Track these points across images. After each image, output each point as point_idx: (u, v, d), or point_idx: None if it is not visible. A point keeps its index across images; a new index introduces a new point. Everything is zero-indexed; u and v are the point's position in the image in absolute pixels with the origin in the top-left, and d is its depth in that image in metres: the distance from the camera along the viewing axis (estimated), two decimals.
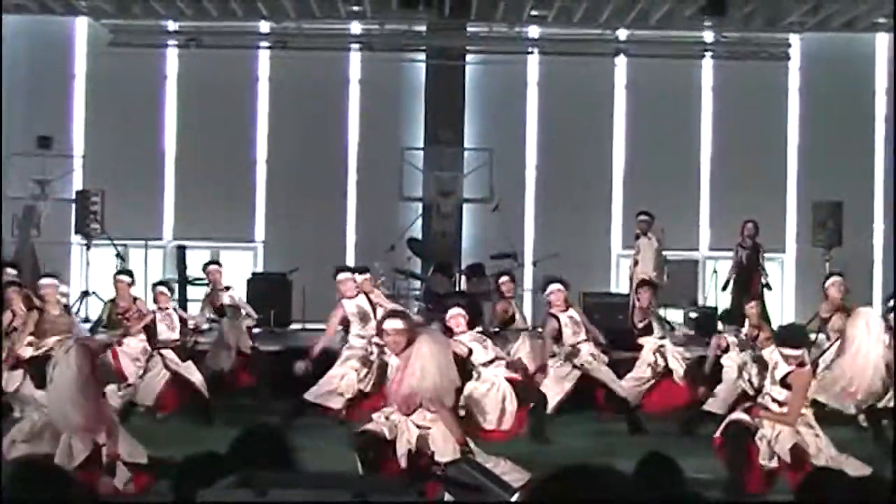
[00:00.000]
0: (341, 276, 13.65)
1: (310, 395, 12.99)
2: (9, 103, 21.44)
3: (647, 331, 14.47)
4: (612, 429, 13.30)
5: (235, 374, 14.44)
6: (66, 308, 12.93)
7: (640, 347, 14.42)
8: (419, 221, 21.50)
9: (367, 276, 14.38)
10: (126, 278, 14.73)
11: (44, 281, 12.97)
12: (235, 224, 21.93)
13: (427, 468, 7.54)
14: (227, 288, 15.41)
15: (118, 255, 19.26)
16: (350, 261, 20.34)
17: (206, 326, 15.13)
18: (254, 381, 14.47)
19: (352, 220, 22.43)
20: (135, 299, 14.43)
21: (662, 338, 14.49)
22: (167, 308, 13.91)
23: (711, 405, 13.11)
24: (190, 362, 13.68)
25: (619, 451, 10.57)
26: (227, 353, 14.40)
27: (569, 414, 13.45)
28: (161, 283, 14.64)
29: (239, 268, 21.41)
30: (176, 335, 13.80)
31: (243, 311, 14.98)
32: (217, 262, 15.94)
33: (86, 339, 10.17)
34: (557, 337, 13.78)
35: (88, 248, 20.11)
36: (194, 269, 20.23)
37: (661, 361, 14.24)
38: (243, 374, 14.54)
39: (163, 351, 13.59)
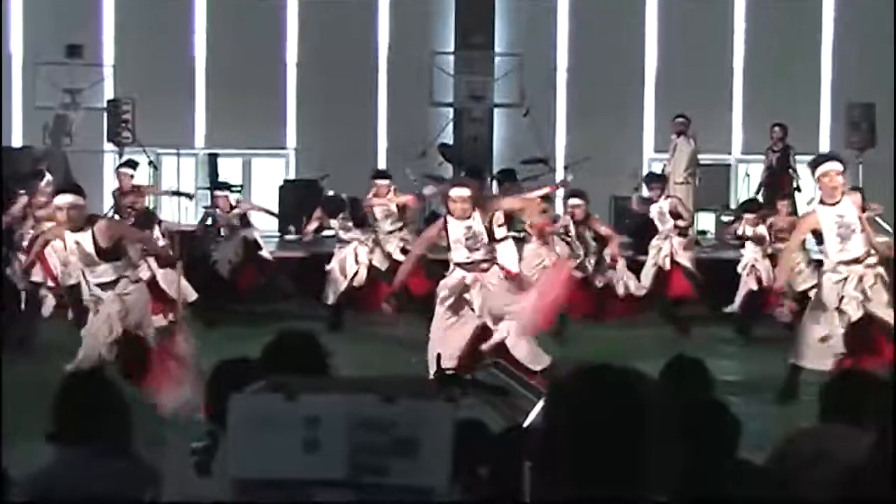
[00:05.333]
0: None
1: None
2: (36, 12, 21.42)
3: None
4: (631, 333, 13.44)
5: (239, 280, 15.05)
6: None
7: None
8: (450, 126, 21.45)
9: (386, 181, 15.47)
10: (129, 170, 15.58)
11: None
12: (267, 131, 21.92)
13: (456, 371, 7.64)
14: (234, 207, 15.68)
15: (151, 163, 19.32)
16: (381, 166, 20.32)
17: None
18: (258, 284, 15.06)
19: (383, 126, 22.39)
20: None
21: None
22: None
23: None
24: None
25: (644, 353, 10.62)
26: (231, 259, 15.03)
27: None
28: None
29: (271, 175, 21.51)
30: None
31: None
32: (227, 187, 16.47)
33: None
34: None
35: (121, 156, 20.10)
36: (226, 177, 20.36)
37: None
38: (247, 279, 15.12)
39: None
